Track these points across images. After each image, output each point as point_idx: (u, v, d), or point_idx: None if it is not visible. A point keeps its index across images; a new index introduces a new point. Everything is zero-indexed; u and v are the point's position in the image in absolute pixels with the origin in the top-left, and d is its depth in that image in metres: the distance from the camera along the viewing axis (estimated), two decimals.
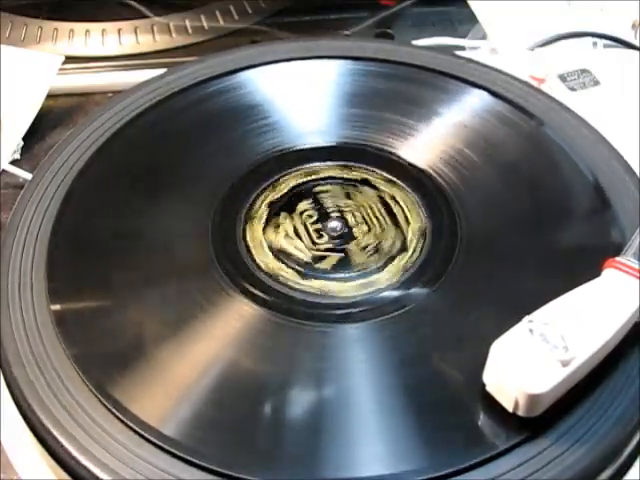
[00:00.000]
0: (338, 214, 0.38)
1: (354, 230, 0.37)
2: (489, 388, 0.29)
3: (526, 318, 0.29)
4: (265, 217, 0.38)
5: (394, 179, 0.39)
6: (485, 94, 0.43)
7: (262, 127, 0.42)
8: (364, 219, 0.37)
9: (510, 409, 0.28)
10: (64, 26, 0.59)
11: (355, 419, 0.29)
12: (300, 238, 0.37)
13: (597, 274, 0.32)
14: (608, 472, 0.29)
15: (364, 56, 0.45)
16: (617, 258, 0.32)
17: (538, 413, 0.28)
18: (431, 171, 0.39)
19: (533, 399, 0.28)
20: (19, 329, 0.32)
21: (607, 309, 0.30)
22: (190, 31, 0.60)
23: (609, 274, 0.32)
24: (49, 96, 0.49)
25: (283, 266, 0.35)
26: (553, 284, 0.31)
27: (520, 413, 0.28)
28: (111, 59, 0.57)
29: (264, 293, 0.34)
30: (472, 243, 0.36)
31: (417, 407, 0.30)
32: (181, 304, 0.33)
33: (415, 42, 0.52)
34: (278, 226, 0.37)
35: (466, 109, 0.42)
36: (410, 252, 0.36)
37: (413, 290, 0.34)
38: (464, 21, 0.60)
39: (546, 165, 0.39)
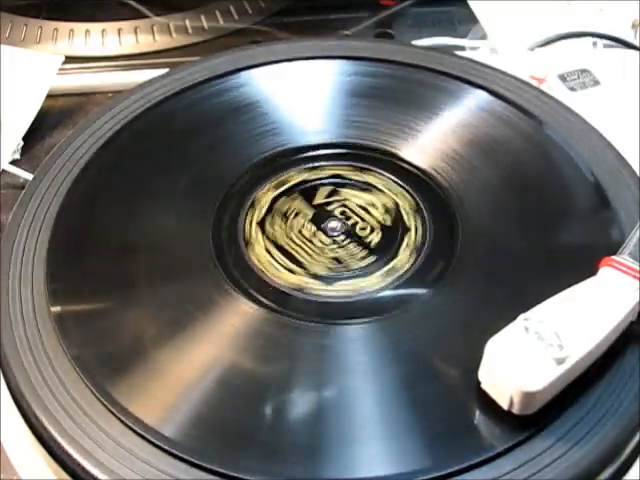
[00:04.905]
0: (348, 218, 0.38)
1: (347, 238, 0.37)
2: (484, 386, 0.29)
3: (521, 316, 0.29)
4: (287, 189, 0.39)
5: (394, 179, 0.39)
6: (485, 94, 0.43)
7: (262, 127, 0.42)
8: (364, 233, 0.37)
9: (505, 407, 0.29)
10: (64, 26, 0.59)
11: (355, 419, 0.29)
12: (299, 223, 0.37)
13: (596, 273, 0.32)
14: (608, 472, 0.29)
15: (364, 56, 0.45)
16: (613, 257, 0.32)
17: (533, 411, 0.28)
18: (431, 171, 0.39)
19: (527, 397, 0.28)
20: (19, 329, 0.32)
21: (603, 308, 0.30)
22: (190, 31, 0.60)
23: (605, 273, 0.32)
24: (49, 96, 0.49)
25: (283, 266, 0.35)
26: (553, 283, 0.31)
27: (515, 411, 0.28)
28: (111, 59, 0.57)
29: (264, 293, 0.34)
30: (472, 243, 0.36)
31: (417, 407, 0.30)
32: (181, 304, 0.33)
33: (415, 42, 0.52)
34: (289, 204, 0.38)
35: (466, 109, 0.42)
36: (409, 252, 0.36)
37: (413, 290, 0.34)
38: (464, 21, 0.60)
39: (546, 165, 0.39)
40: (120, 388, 0.30)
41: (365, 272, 0.35)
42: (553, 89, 0.47)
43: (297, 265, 0.36)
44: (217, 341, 0.32)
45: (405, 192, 0.39)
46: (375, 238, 0.37)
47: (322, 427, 0.29)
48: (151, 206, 0.38)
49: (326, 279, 0.35)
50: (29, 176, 0.42)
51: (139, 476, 0.28)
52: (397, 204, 0.38)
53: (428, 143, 0.41)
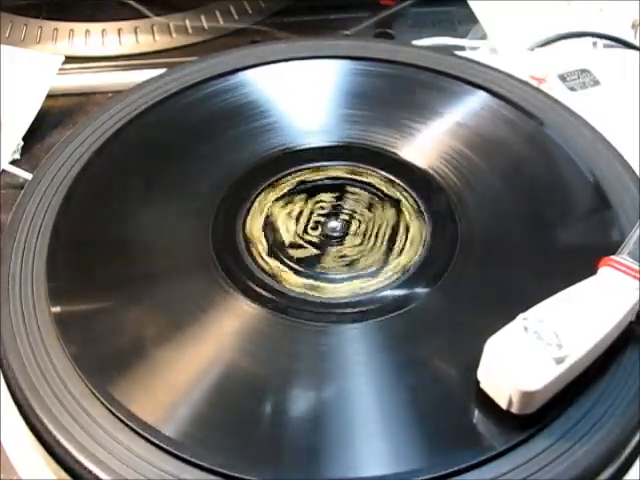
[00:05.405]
0: (347, 218, 0.38)
1: (347, 238, 0.37)
2: (483, 385, 0.29)
3: (520, 316, 0.29)
4: (287, 190, 0.39)
5: (394, 179, 0.39)
6: (485, 94, 0.43)
7: (262, 127, 0.42)
8: (364, 233, 0.37)
9: (504, 406, 0.29)
10: (64, 26, 0.59)
11: (355, 419, 0.29)
12: (297, 222, 0.37)
13: (596, 273, 0.32)
14: (608, 472, 0.29)
15: (364, 56, 0.45)
16: (612, 257, 0.32)
17: (532, 410, 0.28)
18: (431, 171, 0.39)
19: (526, 396, 0.28)
20: (19, 329, 0.32)
21: (602, 307, 0.30)
22: (190, 31, 0.60)
23: (605, 272, 0.32)
24: (49, 96, 0.49)
25: (283, 266, 0.35)
26: (553, 284, 0.31)
27: (514, 410, 0.28)
28: (111, 59, 0.57)
29: (264, 293, 0.34)
30: (472, 243, 0.36)
31: (417, 407, 0.30)
32: (181, 304, 0.33)
33: (415, 42, 0.52)
34: (290, 202, 0.38)
35: (466, 109, 0.42)
36: (408, 253, 0.36)
37: (413, 290, 0.34)
38: (464, 21, 0.60)
39: (546, 165, 0.39)
40: (120, 388, 0.30)
41: (365, 272, 0.35)
42: (553, 89, 0.47)
43: (297, 265, 0.36)
44: (217, 340, 0.32)
45: (405, 192, 0.39)
46: (374, 238, 0.37)
47: (322, 427, 0.29)
48: (150, 205, 0.38)
49: (326, 279, 0.35)
50: (29, 176, 0.42)
51: (140, 475, 0.28)
52: (397, 204, 0.38)
53: (428, 143, 0.41)
